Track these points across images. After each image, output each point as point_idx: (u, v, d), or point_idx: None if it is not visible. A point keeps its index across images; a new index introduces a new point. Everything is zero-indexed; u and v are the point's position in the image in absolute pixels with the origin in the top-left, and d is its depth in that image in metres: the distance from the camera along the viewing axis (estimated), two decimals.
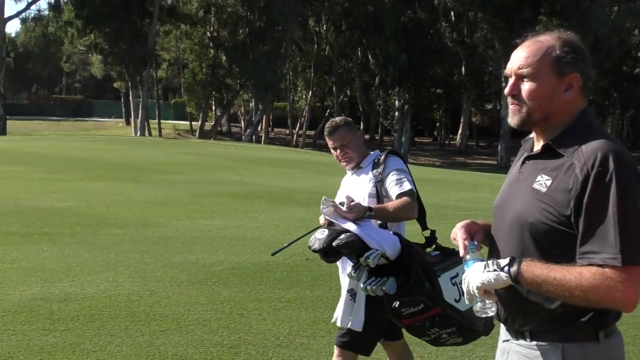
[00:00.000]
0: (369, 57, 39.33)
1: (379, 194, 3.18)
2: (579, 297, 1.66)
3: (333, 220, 2.76)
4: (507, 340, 1.93)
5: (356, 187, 3.31)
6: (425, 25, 39.57)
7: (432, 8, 39.77)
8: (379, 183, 3.19)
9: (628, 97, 43.31)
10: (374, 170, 3.25)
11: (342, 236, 2.63)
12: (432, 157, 42.24)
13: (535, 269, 1.71)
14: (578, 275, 1.66)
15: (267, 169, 18.04)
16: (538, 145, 1.90)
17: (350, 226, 2.69)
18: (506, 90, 1.87)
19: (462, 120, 44.03)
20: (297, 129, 45.80)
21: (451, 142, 50.58)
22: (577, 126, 1.82)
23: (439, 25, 40.63)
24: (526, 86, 1.82)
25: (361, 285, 2.64)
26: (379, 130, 47.46)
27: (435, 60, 39.55)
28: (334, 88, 44.94)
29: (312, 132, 46.24)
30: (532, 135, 1.97)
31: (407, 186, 3.12)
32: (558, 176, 1.76)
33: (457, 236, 1.94)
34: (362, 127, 46.83)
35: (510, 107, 1.88)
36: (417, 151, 45.57)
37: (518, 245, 1.82)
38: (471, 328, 2.60)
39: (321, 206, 2.79)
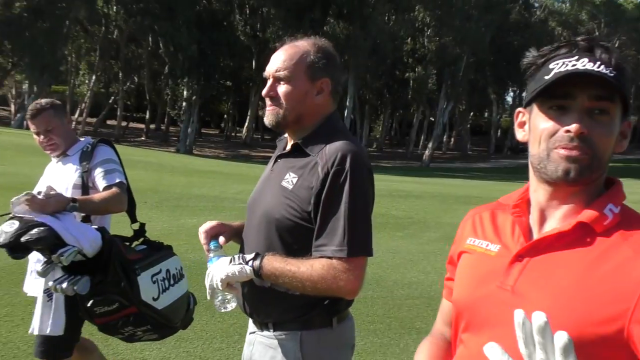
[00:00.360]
0: (160, 44, 38.09)
1: (85, 185, 3.00)
2: (309, 287, 1.75)
3: (28, 216, 2.46)
4: (253, 332, 1.98)
5: (60, 176, 3.08)
6: (219, 17, 39.42)
7: (228, 0, 39.77)
8: (86, 173, 3.00)
9: (398, 99, 47.87)
10: (82, 160, 3.04)
11: (34, 231, 2.36)
12: (217, 149, 42.35)
13: (275, 263, 1.77)
14: (310, 267, 1.74)
15: (34, 159, 16.54)
16: (289, 145, 1.96)
17: (47, 219, 2.44)
18: (263, 92, 1.91)
19: (249, 114, 44.74)
20: (76, 116, 42.70)
21: (238, 134, 51.22)
22: (324, 128, 1.90)
23: (233, 17, 40.76)
24: (282, 88, 1.87)
25: (50, 283, 2.46)
26: (166, 120, 46.29)
27: (227, 53, 39.65)
28: (120, 74, 42.69)
29: (94, 120, 43.55)
30: (286, 135, 2.01)
31: (116, 177, 3.01)
32: (303, 174, 1.83)
33: (200, 238, 1.95)
34: (148, 116, 45.27)
35: (268, 108, 1.91)
36: (203, 142, 45.39)
37: (265, 240, 1.87)
38: (167, 325, 2.62)
39: (11, 204, 2.46)
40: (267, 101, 1.91)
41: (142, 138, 43.15)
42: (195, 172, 18.37)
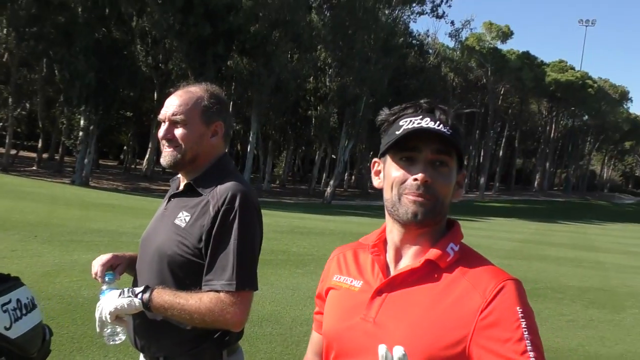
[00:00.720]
0: (55, 70, 36.54)
1: None
2: (197, 319, 1.83)
3: None
4: None
5: None
6: (119, 45, 38.47)
7: (129, 29, 38.93)
8: None
9: (301, 136, 48.58)
10: None
11: None
12: (116, 182, 40.90)
13: (164, 296, 1.84)
14: (198, 300, 1.83)
15: None
16: (182, 185, 2.06)
17: None
18: (160, 134, 2.01)
19: (150, 146, 43.71)
20: None
21: (138, 166, 49.81)
22: (216, 168, 2.02)
23: (134, 47, 39.93)
24: (179, 131, 1.98)
25: None
26: (60, 149, 44.25)
27: (127, 83, 38.67)
28: (10, 99, 40.44)
29: None
30: (179, 175, 2.11)
31: None
32: (196, 212, 1.93)
33: (93, 270, 1.99)
34: (40, 144, 43.10)
35: (166, 149, 2.00)
36: (101, 174, 43.73)
37: (157, 275, 1.93)
38: (22, 355, 2.61)
39: None
40: (165, 143, 2.00)
41: (34, 168, 40.90)
42: (92, 205, 17.69)
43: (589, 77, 71.61)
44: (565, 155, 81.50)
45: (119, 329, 1.92)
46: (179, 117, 1.97)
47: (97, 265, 1.99)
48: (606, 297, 10.43)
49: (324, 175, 50.45)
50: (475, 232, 23.94)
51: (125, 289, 1.90)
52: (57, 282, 7.26)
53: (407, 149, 1.26)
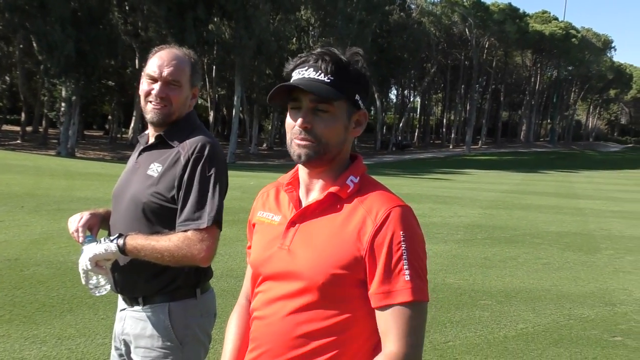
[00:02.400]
0: (33, 42, 35.97)
1: None
2: (167, 257, 2.00)
3: None
4: (124, 309, 2.22)
5: None
6: (96, 14, 37.78)
7: None
8: None
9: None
10: None
11: None
12: (102, 152, 40.79)
13: (137, 239, 2.02)
14: (167, 240, 2.01)
15: None
16: (152, 139, 2.22)
17: None
18: (155, 92, 2.13)
19: (134, 114, 43.46)
20: None
21: (123, 135, 49.58)
22: (184, 122, 2.20)
23: (112, 15, 39.25)
24: (173, 93, 2.14)
25: None
26: (44, 122, 43.90)
27: (107, 51, 38.15)
28: None
29: None
30: (147, 132, 2.27)
31: None
32: (167, 163, 2.10)
33: (71, 227, 2.15)
34: (23, 117, 42.73)
35: (156, 106, 2.15)
36: (86, 145, 43.55)
37: (132, 223, 2.11)
38: None
39: None
40: (156, 99, 2.14)
41: (18, 141, 40.66)
42: (77, 175, 17.75)
43: (573, 27, 71.46)
44: (550, 107, 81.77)
45: (102, 281, 2.08)
46: (175, 80, 2.13)
47: (75, 224, 2.13)
48: (582, 241, 10.75)
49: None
50: (460, 184, 24.27)
51: (102, 238, 2.07)
52: (45, 248, 7.43)
53: (292, 100, 1.44)
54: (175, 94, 2.13)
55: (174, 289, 2.11)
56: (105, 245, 2.01)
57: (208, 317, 2.22)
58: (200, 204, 2.03)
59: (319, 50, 1.44)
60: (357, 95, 1.44)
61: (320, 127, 1.41)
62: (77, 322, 4.88)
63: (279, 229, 1.51)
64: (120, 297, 2.24)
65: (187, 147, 2.09)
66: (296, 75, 1.43)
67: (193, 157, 2.06)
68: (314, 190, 1.50)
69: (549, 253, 9.33)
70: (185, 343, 2.11)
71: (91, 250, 2.01)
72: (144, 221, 2.09)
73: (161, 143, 2.17)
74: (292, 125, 1.44)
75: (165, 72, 2.12)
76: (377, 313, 1.38)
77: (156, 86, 2.12)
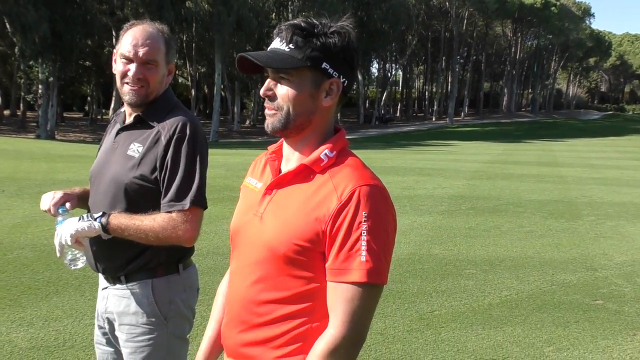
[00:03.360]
0: (6, 24, 35.20)
1: None
2: (152, 237, 2.00)
3: None
4: (106, 288, 2.21)
5: None
6: None
7: None
8: None
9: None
10: None
11: None
12: (82, 133, 40.35)
13: (121, 218, 2.01)
14: (152, 220, 2.00)
15: None
16: (130, 118, 2.18)
17: None
18: (131, 73, 2.08)
19: (114, 95, 42.87)
20: None
21: (104, 116, 49.03)
22: (162, 101, 2.16)
23: None
24: (150, 72, 2.10)
25: None
26: (22, 105, 43.21)
27: (83, 32, 37.41)
28: None
29: None
30: (123, 109, 2.23)
31: None
32: (147, 143, 2.07)
33: (44, 204, 2.13)
34: (0, 101, 42.02)
35: (133, 87, 2.10)
36: (66, 127, 43.02)
37: (113, 202, 2.09)
38: None
39: None
40: (133, 80, 2.09)
41: None
42: (58, 157, 17.58)
43: None
44: (531, 76, 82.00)
45: (78, 255, 2.06)
46: (151, 59, 2.08)
47: (48, 202, 2.11)
48: (564, 208, 10.90)
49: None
50: (444, 156, 24.39)
51: (84, 215, 2.04)
52: (28, 232, 7.38)
53: (263, 70, 1.46)
54: (152, 74, 2.09)
55: (156, 265, 2.11)
56: (88, 223, 1.99)
57: (191, 291, 2.23)
58: (183, 185, 2.02)
59: (292, 21, 1.44)
60: (324, 63, 1.41)
61: (281, 95, 1.42)
62: (63, 304, 4.88)
63: (258, 195, 1.52)
64: (101, 276, 2.23)
65: (167, 127, 2.07)
66: (270, 45, 1.45)
67: (175, 137, 2.04)
68: (291, 161, 1.50)
69: (532, 221, 9.45)
70: (170, 318, 2.12)
71: (72, 225, 1.98)
72: (125, 201, 2.07)
73: (140, 122, 2.13)
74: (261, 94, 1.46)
75: (141, 52, 2.07)
76: (329, 287, 1.38)
77: (132, 67, 2.07)
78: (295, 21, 1.42)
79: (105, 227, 2.00)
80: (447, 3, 61.58)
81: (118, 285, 2.15)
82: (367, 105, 65.95)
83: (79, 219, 2.01)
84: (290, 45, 1.39)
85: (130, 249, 2.07)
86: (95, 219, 2.00)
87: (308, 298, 1.41)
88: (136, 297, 2.11)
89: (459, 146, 34.07)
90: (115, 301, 2.15)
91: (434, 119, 66.67)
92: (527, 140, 41.36)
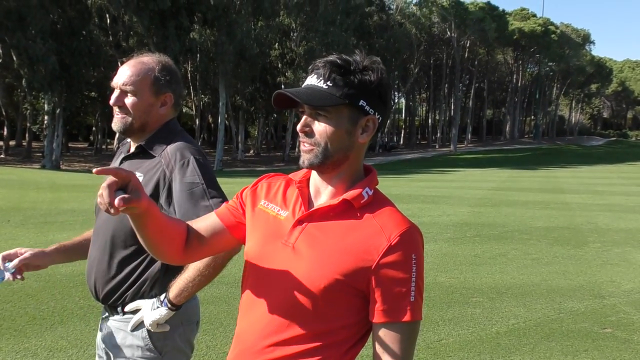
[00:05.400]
0: (13, 56, 35.64)
1: None
2: (200, 277, 1.98)
3: None
4: (105, 317, 2.20)
5: None
6: (76, 26, 37.51)
7: (85, 8, 37.87)
8: None
9: (270, 103, 48.18)
10: None
11: None
12: (87, 163, 40.50)
13: (174, 284, 2.00)
14: (194, 265, 1.97)
15: None
16: (133, 147, 2.20)
17: None
18: (112, 101, 2.13)
19: None
20: None
21: (108, 146, 49.32)
22: (164, 131, 2.17)
23: (92, 26, 38.94)
24: (129, 100, 2.11)
25: None
26: (27, 135, 43.52)
27: (90, 63, 37.84)
28: None
29: None
30: (129, 140, 2.26)
31: None
32: (149, 173, 2.08)
33: None
34: (6, 132, 42.37)
35: (117, 115, 2.14)
36: (71, 157, 43.30)
37: (115, 231, 2.10)
38: None
39: None
40: (116, 109, 2.13)
41: (2, 156, 40.30)
42: (63, 187, 17.63)
43: (552, 23, 72.17)
44: (533, 103, 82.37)
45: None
46: (129, 87, 2.09)
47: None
48: (570, 235, 10.84)
49: (297, 140, 50.46)
50: (448, 183, 24.38)
51: (154, 301, 2.04)
52: None
53: (299, 105, 1.47)
54: (131, 102, 2.09)
55: (153, 297, 2.08)
56: (161, 311, 2.01)
57: (190, 325, 2.18)
58: (204, 206, 1.96)
59: (328, 57, 1.45)
60: (362, 100, 1.43)
61: (319, 132, 1.43)
62: (68, 334, 4.85)
63: (285, 225, 1.50)
64: (103, 306, 2.22)
65: (168, 156, 2.07)
66: (306, 82, 1.47)
67: (178, 164, 2.04)
68: (323, 194, 1.50)
69: (538, 248, 9.40)
70: (165, 352, 2.08)
71: (147, 317, 2.02)
72: (128, 230, 2.04)
73: (142, 152, 2.14)
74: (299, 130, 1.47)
75: (120, 81, 2.09)
76: (376, 327, 1.41)
77: (114, 94, 2.11)
78: (331, 58, 1.43)
79: (171, 302, 2.00)
80: (448, 32, 62.22)
81: (116, 317, 2.13)
82: None
83: (152, 307, 2.02)
84: (329, 83, 1.40)
85: (127, 279, 2.07)
86: (162, 303, 2.02)
87: (332, 334, 1.43)
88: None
89: (463, 173, 34.08)
90: (112, 332, 2.13)
91: (437, 147, 66.83)
92: (531, 167, 41.34)
